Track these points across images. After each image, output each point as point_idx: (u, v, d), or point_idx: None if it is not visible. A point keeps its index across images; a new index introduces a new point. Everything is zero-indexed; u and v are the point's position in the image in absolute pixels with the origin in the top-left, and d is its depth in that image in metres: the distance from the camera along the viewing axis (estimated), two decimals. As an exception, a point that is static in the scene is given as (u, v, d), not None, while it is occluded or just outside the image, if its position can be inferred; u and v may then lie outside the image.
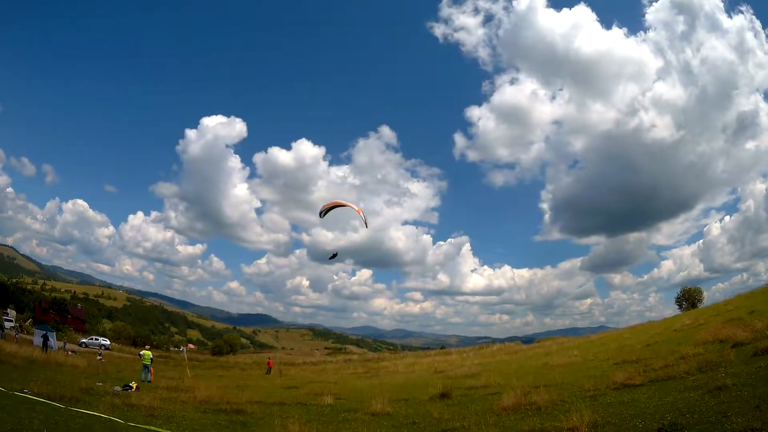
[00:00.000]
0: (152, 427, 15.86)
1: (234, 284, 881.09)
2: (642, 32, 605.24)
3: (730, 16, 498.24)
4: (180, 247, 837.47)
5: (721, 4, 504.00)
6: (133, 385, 28.86)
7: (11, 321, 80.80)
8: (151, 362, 39.64)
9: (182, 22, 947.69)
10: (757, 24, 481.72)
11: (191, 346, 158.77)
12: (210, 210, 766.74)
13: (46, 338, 52.03)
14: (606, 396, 18.44)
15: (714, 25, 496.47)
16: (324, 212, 38.79)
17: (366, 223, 38.75)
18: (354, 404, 24.81)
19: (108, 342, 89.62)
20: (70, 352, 55.26)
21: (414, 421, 19.09)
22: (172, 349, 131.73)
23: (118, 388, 27.51)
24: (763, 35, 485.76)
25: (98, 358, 53.20)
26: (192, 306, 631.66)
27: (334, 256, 40.09)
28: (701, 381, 16.66)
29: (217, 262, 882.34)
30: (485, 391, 25.92)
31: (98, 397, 22.54)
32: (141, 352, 41.85)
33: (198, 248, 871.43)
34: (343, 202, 38.81)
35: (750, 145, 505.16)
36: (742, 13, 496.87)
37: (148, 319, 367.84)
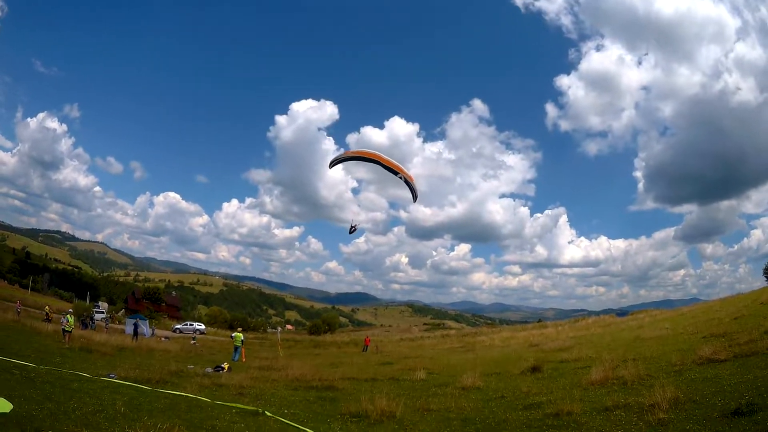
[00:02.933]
0: (238, 404, 16.20)
1: (332, 264, 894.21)
2: None
3: None
4: (277, 231, 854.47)
5: None
6: (225, 366, 29.65)
7: (102, 312, 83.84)
8: (242, 343, 41.22)
9: (267, 9, 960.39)
10: None
11: (289, 326, 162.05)
12: (306, 193, 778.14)
13: (136, 326, 53.63)
14: (691, 371, 18.26)
15: None
16: (336, 162, 35.68)
17: (414, 194, 34.71)
18: (446, 379, 25.09)
19: (203, 326, 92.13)
20: (162, 338, 56.92)
21: (503, 395, 19.14)
22: (269, 330, 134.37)
23: (209, 370, 28.31)
24: None
25: (192, 342, 54.72)
26: (290, 288, 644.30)
27: (354, 229, 38.17)
28: None
29: (314, 244, 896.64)
30: (576, 365, 26.05)
31: (187, 378, 23.27)
32: (233, 334, 43.20)
33: (295, 231, 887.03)
34: (377, 155, 34.23)
35: None
36: None
37: (245, 303, 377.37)
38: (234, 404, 16.31)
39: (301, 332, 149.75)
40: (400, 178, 33.32)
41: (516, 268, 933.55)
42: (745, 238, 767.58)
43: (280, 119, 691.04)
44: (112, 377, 20.45)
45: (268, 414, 14.91)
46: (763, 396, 12.18)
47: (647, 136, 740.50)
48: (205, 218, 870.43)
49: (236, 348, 40.78)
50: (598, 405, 14.77)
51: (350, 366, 34.94)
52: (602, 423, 12.79)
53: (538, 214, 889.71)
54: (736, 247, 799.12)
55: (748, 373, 15.51)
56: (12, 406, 11.83)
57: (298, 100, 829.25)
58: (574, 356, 29.57)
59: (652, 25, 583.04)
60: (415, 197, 35.12)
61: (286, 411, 16.05)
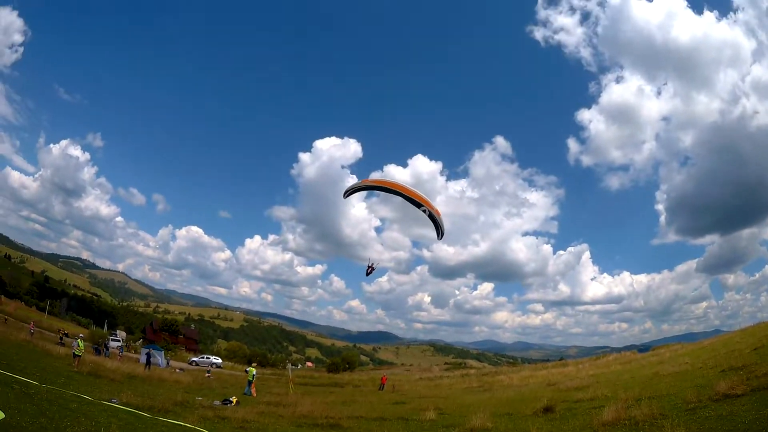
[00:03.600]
0: None
1: (354, 303, 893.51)
2: (732, 13, 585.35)
3: None
4: (299, 268, 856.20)
5: None
6: (234, 399, 29.56)
7: (118, 341, 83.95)
8: (254, 378, 41.34)
9: (290, 44, 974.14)
10: None
11: (309, 364, 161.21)
12: (329, 231, 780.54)
13: (149, 356, 53.42)
14: (706, 409, 18.02)
15: None
16: (352, 191, 33.64)
17: (440, 229, 32.21)
18: (456, 419, 24.78)
19: (219, 360, 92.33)
20: (177, 370, 56.85)
21: None
22: (289, 366, 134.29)
23: (217, 403, 28.35)
24: None
25: (207, 375, 54.62)
26: (312, 325, 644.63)
27: (371, 269, 35.63)
28: None
29: (337, 282, 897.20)
30: (590, 405, 25.66)
31: (192, 409, 23.35)
32: (247, 369, 43.18)
33: (318, 269, 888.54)
34: (399, 185, 32.00)
35: None
36: None
37: (266, 339, 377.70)
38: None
39: (321, 370, 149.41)
40: (424, 211, 31.56)
41: (539, 306, 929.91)
42: (767, 266, 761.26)
43: (304, 156, 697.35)
44: (114, 402, 20.48)
45: None
46: None
47: (668, 168, 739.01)
48: (228, 254, 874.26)
49: (249, 382, 40.93)
50: None
51: (362, 405, 34.78)
52: None
53: (561, 252, 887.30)
54: (757, 275, 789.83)
55: (765, 408, 15.36)
56: (3, 416, 11.88)
57: (322, 137, 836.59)
58: (590, 395, 29.21)
59: (670, 53, 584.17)
60: (441, 233, 32.71)
61: None
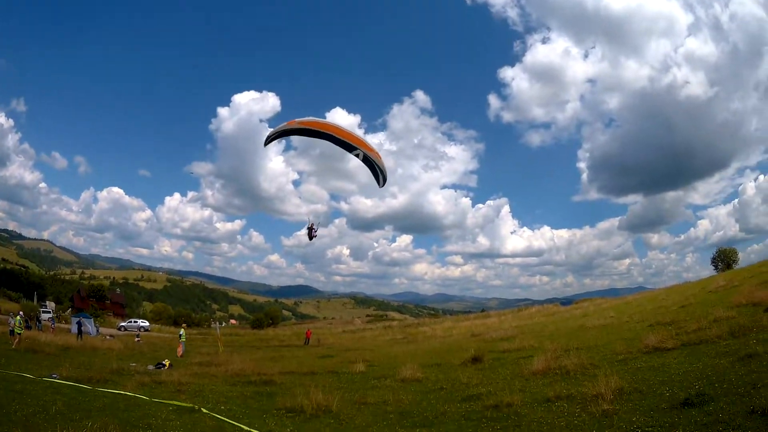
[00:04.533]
0: (175, 402, 16.17)
1: (274, 257, 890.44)
2: None
3: None
4: (219, 225, 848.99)
5: None
6: (167, 362, 29.47)
7: (49, 312, 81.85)
8: (180, 338, 42.13)
9: (210, 1, 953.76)
10: None
11: (233, 321, 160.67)
12: (247, 185, 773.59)
13: (80, 325, 52.52)
14: (637, 360, 18.47)
15: None
16: (272, 139, 28.96)
17: (381, 174, 27.81)
18: (385, 371, 25.24)
19: (147, 324, 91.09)
20: (107, 337, 55.89)
21: (442, 387, 19.30)
22: (212, 326, 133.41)
23: (151, 367, 28.22)
24: None
25: (136, 339, 53.90)
26: (233, 282, 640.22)
27: (313, 232, 29.92)
28: (733, 347, 16.53)
29: (256, 237, 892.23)
30: (518, 355, 26.24)
31: (128, 376, 23.13)
32: (181, 332, 43.13)
33: (237, 224, 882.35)
34: (329, 125, 27.53)
35: None
36: None
37: (190, 298, 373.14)
38: (171, 401, 16.28)
39: (245, 326, 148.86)
40: (358, 155, 27.46)
41: (458, 259, 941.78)
42: (692, 228, 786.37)
43: (222, 111, 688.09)
44: (54, 377, 20.23)
45: (204, 411, 14.97)
46: (714, 386, 12.32)
47: (592, 128, 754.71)
48: (148, 213, 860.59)
49: (182, 344, 41.13)
50: (540, 396, 14.91)
51: (290, 360, 34.91)
52: (543, 415, 12.88)
53: (480, 205, 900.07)
54: (682, 236, 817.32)
55: (697, 362, 15.71)
56: None
57: (240, 91, 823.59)
58: (517, 346, 29.80)
59: (600, 19, 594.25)
60: (382, 179, 28.44)
61: (222, 407, 16.05)
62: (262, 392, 20.19)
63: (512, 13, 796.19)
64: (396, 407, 15.83)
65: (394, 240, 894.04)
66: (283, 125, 27.78)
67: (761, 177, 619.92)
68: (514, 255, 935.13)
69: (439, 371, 23.66)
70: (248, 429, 12.88)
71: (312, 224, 30.08)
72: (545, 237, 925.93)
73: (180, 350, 39.62)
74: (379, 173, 28.10)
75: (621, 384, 13.95)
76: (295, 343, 67.02)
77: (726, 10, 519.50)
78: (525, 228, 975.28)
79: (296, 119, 27.30)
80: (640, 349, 19.98)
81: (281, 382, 22.98)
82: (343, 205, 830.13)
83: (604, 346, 23.65)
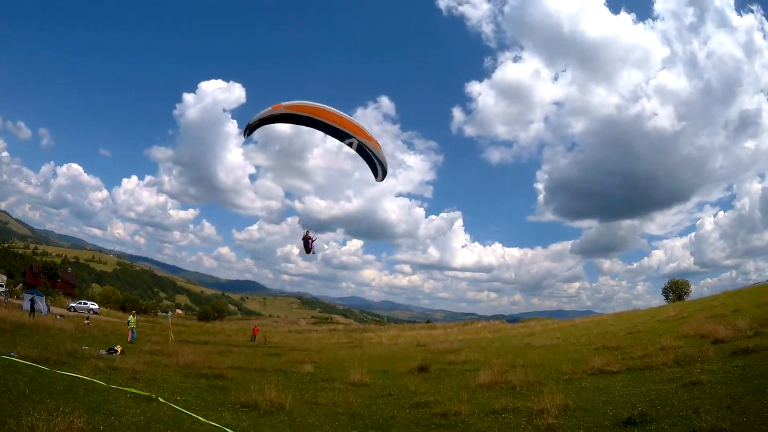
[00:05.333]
0: (133, 389, 16.14)
1: (224, 250, 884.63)
2: (650, 20, 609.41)
3: (740, 14, 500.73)
4: (172, 212, 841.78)
5: (732, 1, 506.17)
6: (118, 348, 29.09)
7: (2, 286, 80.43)
8: (128, 324, 41.62)
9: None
10: (767, 25, 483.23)
11: (179, 311, 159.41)
12: (204, 175, 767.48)
13: (33, 302, 51.70)
14: (582, 381, 18.91)
15: (723, 21, 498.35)
16: (255, 127, 24.42)
17: (381, 167, 24.22)
18: (334, 373, 25.39)
19: (96, 306, 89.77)
20: (58, 316, 54.96)
21: (390, 392, 19.62)
22: (159, 314, 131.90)
23: (103, 352, 27.80)
24: None
25: (86, 322, 53.10)
26: (181, 271, 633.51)
27: (310, 243, 26.81)
28: (677, 374, 17.01)
29: (208, 228, 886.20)
30: (464, 367, 26.49)
31: (83, 360, 22.80)
32: (129, 319, 42.66)
33: (190, 213, 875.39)
34: (321, 110, 22.98)
35: (750, 143, 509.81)
36: (752, 12, 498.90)
37: (138, 284, 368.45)
38: (128, 389, 16.23)
39: (191, 317, 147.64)
40: (351, 144, 23.69)
41: (407, 268, 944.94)
42: (646, 258, 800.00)
43: (188, 97, 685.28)
44: (12, 356, 20.00)
45: (161, 400, 14.98)
46: (656, 408, 12.87)
47: (553, 150, 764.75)
48: (105, 193, 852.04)
49: (132, 330, 40.70)
50: (486, 407, 15.29)
51: (239, 355, 34.70)
52: (490, 425, 13.35)
53: (434, 216, 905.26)
54: (635, 265, 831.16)
55: (641, 386, 16.25)
56: None
57: (208, 79, 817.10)
58: (463, 359, 30.20)
59: (575, 44, 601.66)
60: (382, 172, 24.77)
61: (178, 398, 16.11)
62: (215, 386, 20.21)
63: (487, 29, 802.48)
64: (346, 409, 16.16)
65: (344, 244, 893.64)
66: (266, 110, 23.79)
67: (721, 213, 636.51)
68: (463, 269, 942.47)
69: (386, 377, 24.04)
70: (206, 421, 12.99)
71: (308, 233, 26.96)
72: (496, 254, 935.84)
73: (129, 337, 39.37)
74: (377, 165, 24.70)
75: (566, 401, 14.46)
76: (241, 338, 66.64)
77: (704, 48, 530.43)
78: (477, 243, 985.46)
79: (282, 103, 23.60)
80: (585, 371, 20.39)
81: (232, 377, 22.95)
82: (297, 204, 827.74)
83: (549, 365, 24.06)
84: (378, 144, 24.35)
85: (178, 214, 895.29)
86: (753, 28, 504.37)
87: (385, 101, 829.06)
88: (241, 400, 16.21)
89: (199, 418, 13.37)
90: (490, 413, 14.59)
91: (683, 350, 21.18)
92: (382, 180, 25.98)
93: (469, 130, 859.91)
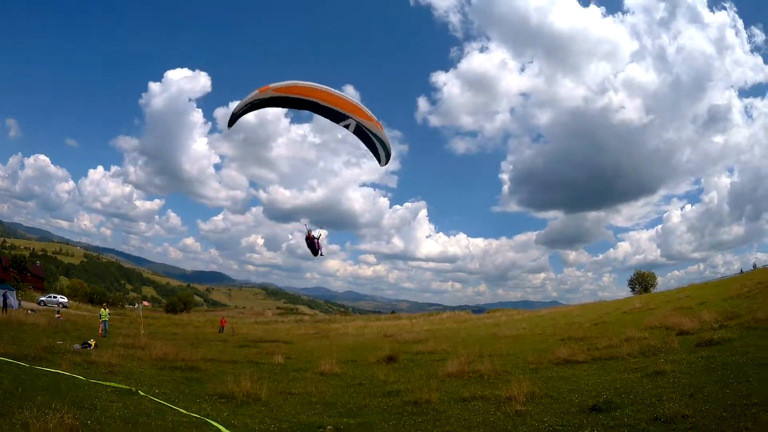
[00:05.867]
0: (113, 383, 16.29)
1: (189, 241, 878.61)
2: (620, 14, 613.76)
3: (712, 11, 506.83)
4: (138, 203, 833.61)
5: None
6: (92, 342, 28.99)
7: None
8: (100, 318, 41.72)
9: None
10: (740, 23, 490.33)
11: (146, 303, 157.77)
12: (169, 164, 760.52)
13: (5, 297, 51.12)
14: (548, 370, 19.36)
15: (694, 16, 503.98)
16: (239, 115, 21.55)
17: (384, 150, 21.91)
18: (304, 364, 25.57)
19: (66, 300, 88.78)
20: (29, 311, 54.32)
21: (361, 382, 19.95)
22: (126, 306, 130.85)
23: (77, 346, 27.70)
24: (744, 34, 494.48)
25: (57, 316, 52.48)
26: (147, 262, 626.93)
27: (315, 243, 24.54)
28: (642, 364, 17.47)
29: (174, 218, 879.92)
30: (431, 357, 26.89)
31: (60, 355, 22.77)
32: (100, 312, 42.54)
33: (156, 204, 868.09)
34: (317, 90, 20.71)
35: (719, 138, 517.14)
36: (725, 9, 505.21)
37: (105, 276, 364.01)
38: (108, 383, 16.36)
39: (158, 309, 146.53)
40: (348, 126, 21.42)
41: (371, 258, 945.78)
42: (612, 249, 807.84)
43: (154, 86, 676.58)
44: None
45: (142, 393, 15.20)
46: (621, 396, 13.33)
47: (519, 141, 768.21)
48: (71, 184, 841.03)
49: (105, 323, 40.57)
50: (456, 395, 15.70)
51: (209, 347, 34.62)
52: (460, 412, 13.77)
53: (398, 206, 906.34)
54: (601, 256, 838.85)
55: (606, 375, 16.75)
56: None
57: (174, 68, 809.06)
58: (430, 349, 30.52)
59: (543, 35, 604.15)
60: (384, 154, 22.33)
61: (157, 390, 16.30)
62: (190, 378, 20.38)
63: (454, 19, 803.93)
64: (320, 398, 16.51)
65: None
66: (252, 95, 21.40)
67: (688, 206, 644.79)
68: (428, 259, 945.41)
69: (355, 367, 24.27)
70: (187, 412, 13.21)
71: (310, 233, 24.58)
72: (461, 244, 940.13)
73: (100, 330, 39.24)
74: (378, 147, 22.32)
75: (533, 389, 14.81)
76: (210, 330, 66.36)
77: (674, 42, 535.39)
78: (441, 233, 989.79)
79: (270, 85, 21.04)
80: (551, 360, 20.81)
81: (206, 368, 23.08)
82: (262, 194, 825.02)
83: (516, 355, 24.46)
84: (379, 124, 22.22)
85: (143, 205, 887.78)
86: (725, 25, 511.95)
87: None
88: (218, 391, 16.45)
89: (180, 410, 13.57)
90: (460, 401, 15.00)
91: (648, 341, 21.63)
92: (386, 164, 23.41)
93: (434, 120, 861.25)
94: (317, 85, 21.27)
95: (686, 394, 12.55)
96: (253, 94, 21.48)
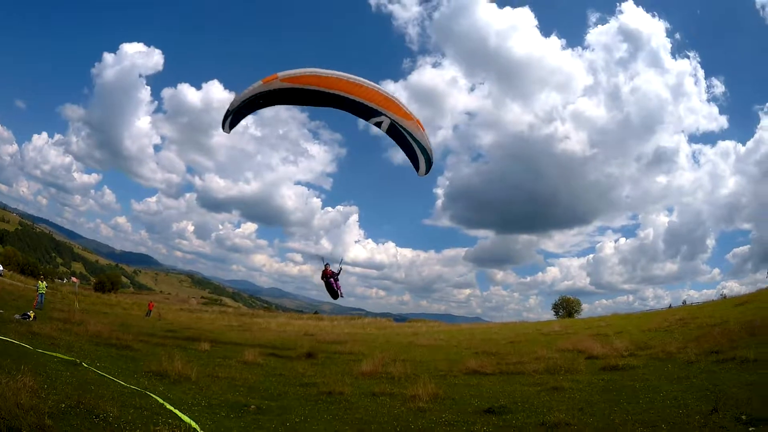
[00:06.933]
0: (59, 354, 17.01)
1: (122, 219, 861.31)
2: (579, 48, 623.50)
3: (674, 58, 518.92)
4: (76, 175, 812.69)
5: (669, 45, 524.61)
6: (31, 314, 29.19)
7: None
8: (37, 290, 41.41)
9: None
10: (701, 73, 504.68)
11: (74, 279, 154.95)
12: (111, 139, 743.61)
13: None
14: (456, 378, 20.39)
15: (655, 61, 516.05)
16: (238, 114, 19.54)
17: (424, 157, 19.73)
18: (228, 353, 26.27)
19: (2, 268, 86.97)
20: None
21: (281, 372, 20.99)
22: (56, 281, 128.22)
23: (17, 317, 28.02)
24: (703, 84, 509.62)
25: (-6, 285, 52.12)
26: (79, 237, 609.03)
27: (333, 279, 25.29)
28: (544, 380, 18.39)
29: (109, 195, 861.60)
30: (348, 357, 27.88)
31: (4, 324, 23.34)
32: (37, 284, 42.47)
33: (93, 178, 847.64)
34: (345, 80, 17.89)
35: (662, 178, 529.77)
36: (689, 58, 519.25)
37: (37, 247, 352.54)
38: (55, 353, 17.04)
39: (86, 287, 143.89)
40: (378, 124, 19.02)
41: (298, 257, 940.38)
42: (540, 273, 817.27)
43: (108, 57, 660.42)
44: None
45: (86, 365, 15.92)
46: (516, 404, 14.62)
47: (458, 158, 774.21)
48: (15, 147, 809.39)
49: (41, 296, 40.32)
50: (367, 391, 17.05)
51: (138, 329, 34.69)
52: (369, 404, 15.10)
53: (330, 208, 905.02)
54: (529, 278, 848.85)
55: (509, 386, 17.87)
56: None
57: (130, 41, 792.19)
58: (348, 350, 31.38)
59: (499, 58, 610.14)
60: (424, 161, 19.90)
61: (98, 364, 17.02)
62: (125, 355, 21.08)
63: (412, 31, 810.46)
64: (243, 383, 17.53)
65: (239, 226, 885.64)
66: (255, 86, 17.91)
67: (622, 239, 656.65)
68: (354, 264, 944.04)
69: (276, 360, 25.15)
70: (127, 385, 14.05)
71: (328, 267, 23.39)
72: (389, 252, 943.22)
73: (36, 302, 39.36)
74: (417, 152, 19.05)
75: (437, 391, 15.97)
76: (137, 312, 66.33)
77: (630, 83, 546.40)
78: (370, 240, 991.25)
79: (277, 74, 17.41)
80: (461, 370, 21.79)
81: (138, 348, 23.60)
82: (197, 181, 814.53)
83: (428, 362, 25.51)
84: (420, 124, 19.15)
85: (81, 178, 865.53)
86: (685, 73, 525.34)
87: None
88: (152, 369, 17.30)
89: (121, 382, 14.38)
90: (370, 395, 16.34)
91: (557, 361, 22.35)
92: (426, 173, 20.20)
93: (375, 129, 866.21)
94: (340, 73, 18.19)
95: (576, 408, 13.61)
96: (257, 86, 18.52)
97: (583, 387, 16.82)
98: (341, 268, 24.56)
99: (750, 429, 10.09)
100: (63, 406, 10.52)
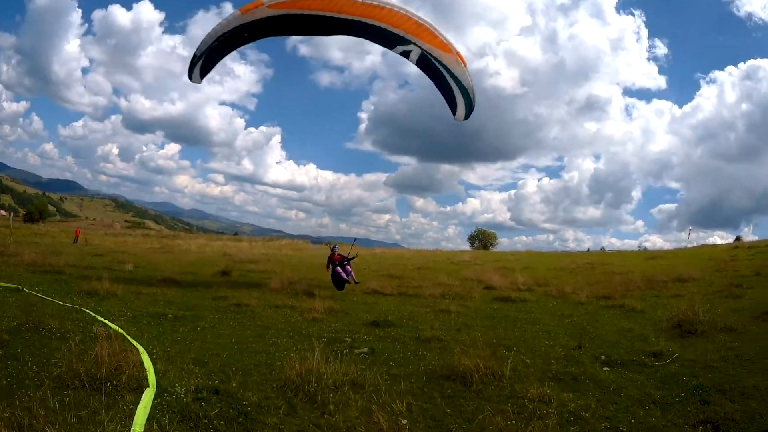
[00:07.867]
0: (2, 283, 18.42)
1: (49, 146, 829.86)
2: None
3: (619, 13, 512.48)
4: (5, 104, 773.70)
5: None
6: (-32, 250, 29.21)
7: None
8: None
9: None
10: (644, 32, 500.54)
11: (3, 212, 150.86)
12: (41, 65, 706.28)
13: None
14: (356, 297, 21.49)
15: (598, 12, 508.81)
16: (210, 58, 17.69)
17: (461, 92, 16.96)
18: (150, 272, 27.74)
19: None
20: None
21: (197, 288, 22.65)
22: (10, 216, 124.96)
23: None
24: (645, 43, 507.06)
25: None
26: (7, 168, 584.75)
27: (345, 264, 22.42)
28: (436, 303, 19.36)
29: (37, 122, 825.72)
30: (260, 275, 29.65)
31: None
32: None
33: (22, 106, 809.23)
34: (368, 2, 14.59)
35: (591, 125, 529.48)
36: (634, 15, 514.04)
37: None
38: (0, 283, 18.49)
39: (16, 219, 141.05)
40: (405, 54, 16.35)
41: (220, 178, 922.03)
42: (461, 203, 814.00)
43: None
44: None
45: (26, 290, 17.49)
46: (401, 320, 15.85)
47: (384, 84, 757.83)
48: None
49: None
50: (271, 303, 18.72)
51: (69, 256, 34.98)
52: (272, 314, 16.85)
53: (253, 129, 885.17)
54: (449, 208, 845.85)
55: (402, 306, 19.09)
56: None
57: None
58: (261, 269, 33.11)
59: None
60: (465, 106, 17.51)
61: (37, 288, 18.47)
62: (59, 279, 22.39)
63: None
64: (163, 298, 19.41)
65: (162, 147, 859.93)
66: (232, 20, 14.55)
67: (546, 179, 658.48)
68: (275, 185, 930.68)
69: (193, 278, 26.87)
70: (64, 303, 15.85)
71: (335, 252, 21.85)
72: (310, 174, 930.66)
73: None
74: (457, 94, 15.96)
75: (333, 306, 17.46)
76: (65, 240, 66.49)
77: (568, 29, 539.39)
78: (292, 161, 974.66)
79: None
80: (362, 290, 22.85)
81: (70, 272, 24.78)
82: (123, 102, 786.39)
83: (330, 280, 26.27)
84: (462, 58, 16.06)
85: (10, 107, 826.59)
86: (627, 30, 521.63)
87: (228, 7, 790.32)
88: (84, 289, 18.93)
89: (58, 301, 16.12)
90: (273, 307, 18.04)
91: (455, 289, 23.15)
92: (465, 119, 17.27)
93: (304, 50, 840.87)
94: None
95: (454, 328, 14.53)
96: (231, 20, 14.70)
97: (469, 312, 17.81)
98: (355, 255, 23.14)
99: (604, 368, 10.47)
100: (15, 324, 12.10)
